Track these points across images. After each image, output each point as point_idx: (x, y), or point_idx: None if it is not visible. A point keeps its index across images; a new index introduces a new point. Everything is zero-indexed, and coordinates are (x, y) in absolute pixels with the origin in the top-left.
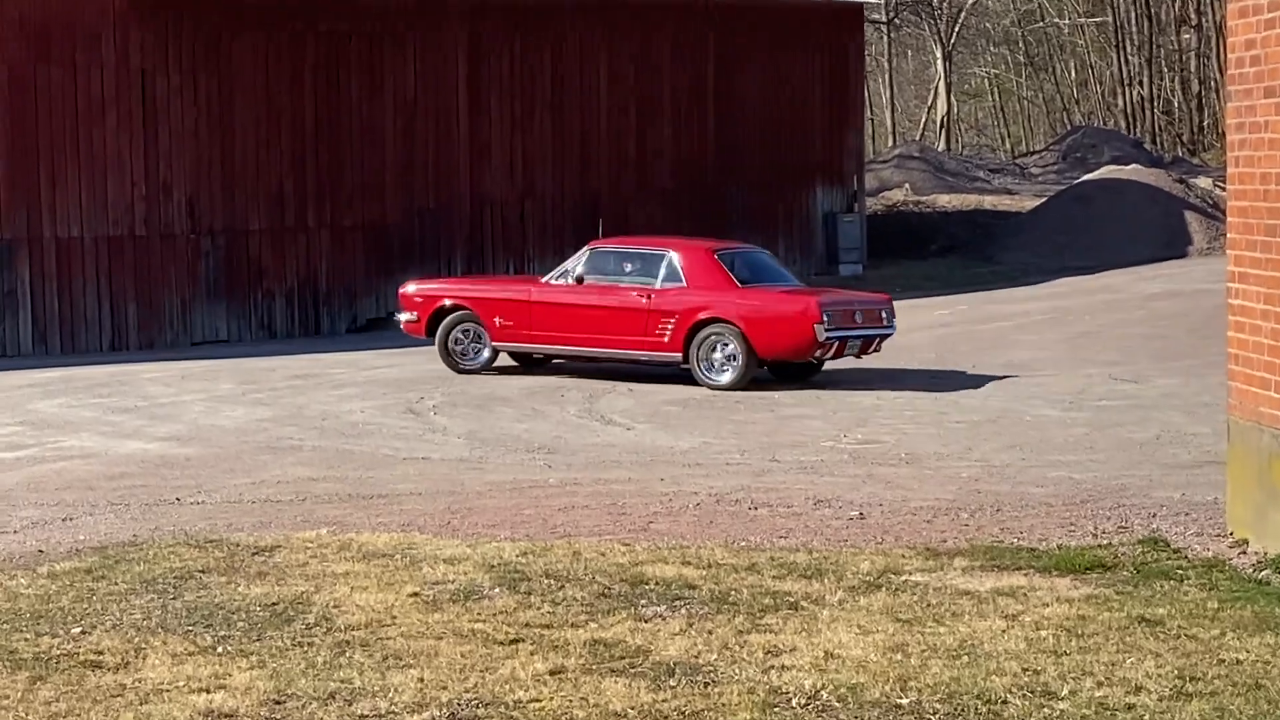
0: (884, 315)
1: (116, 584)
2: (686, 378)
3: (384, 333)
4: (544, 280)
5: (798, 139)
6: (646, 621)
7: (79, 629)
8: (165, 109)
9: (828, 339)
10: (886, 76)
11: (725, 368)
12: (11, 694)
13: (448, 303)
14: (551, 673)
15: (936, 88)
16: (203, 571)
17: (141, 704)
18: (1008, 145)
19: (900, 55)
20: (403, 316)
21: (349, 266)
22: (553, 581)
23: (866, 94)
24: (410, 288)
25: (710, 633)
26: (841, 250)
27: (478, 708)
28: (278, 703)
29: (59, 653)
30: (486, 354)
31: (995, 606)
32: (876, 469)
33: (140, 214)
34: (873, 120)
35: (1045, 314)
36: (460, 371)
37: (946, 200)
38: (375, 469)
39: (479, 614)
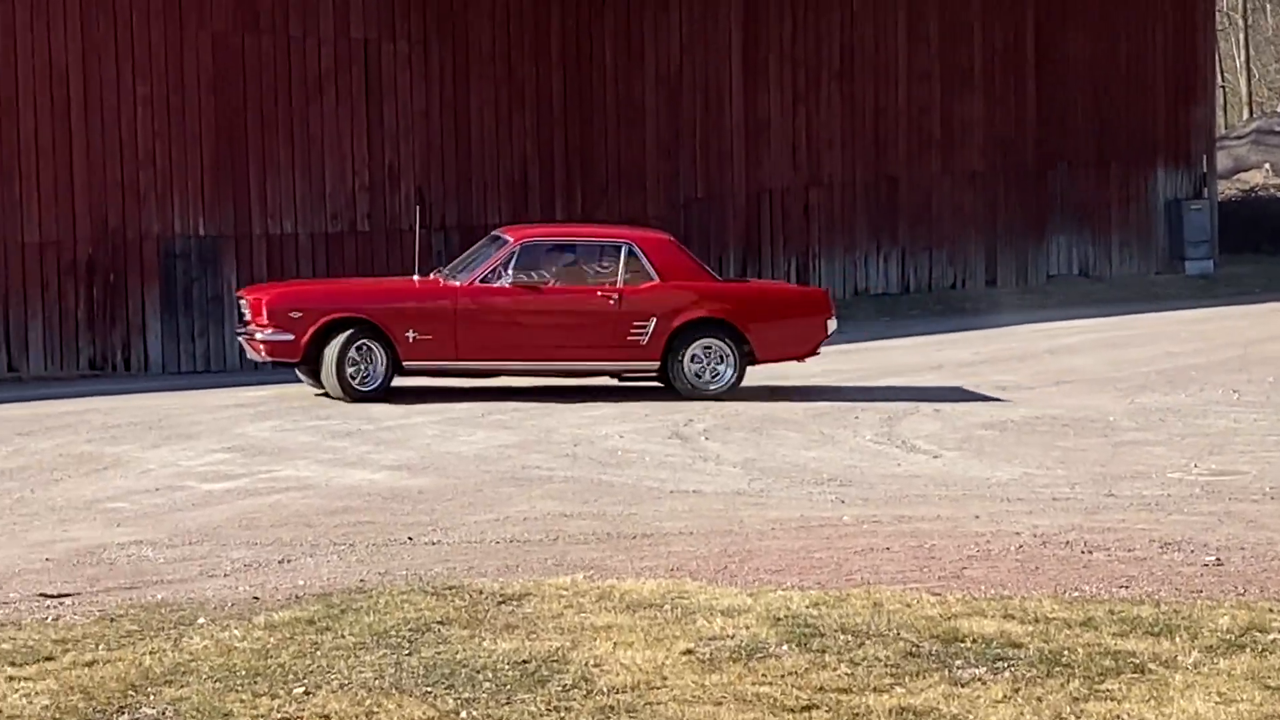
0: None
1: (343, 637)
2: (645, 391)
3: None
4: (458, 283)
5: (1135, 112)
6: (963, 686)
7: (302, 689)
8: (391, 85)
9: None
10: (1241, 36)
11: (717, 374)
12: None
13: (338, 316)
14: None
15: None
16: (441, 623)
17: None
18: None
19: (1258, 10)
20: (264, 336)
21: None
22: (850, 638)
23: (1218, 57)
24: (269, 298)
25: (1039, 700)
26: (1188, 244)
27: None
28: None
29: (279, 716)
30: (384, 376)
31: None
32: (1235, 505)
33: (362, 207)
34: (1225, 89)
35: None
36: (356, 400)
37: None
38: (637, 504)
39: (764, 675)
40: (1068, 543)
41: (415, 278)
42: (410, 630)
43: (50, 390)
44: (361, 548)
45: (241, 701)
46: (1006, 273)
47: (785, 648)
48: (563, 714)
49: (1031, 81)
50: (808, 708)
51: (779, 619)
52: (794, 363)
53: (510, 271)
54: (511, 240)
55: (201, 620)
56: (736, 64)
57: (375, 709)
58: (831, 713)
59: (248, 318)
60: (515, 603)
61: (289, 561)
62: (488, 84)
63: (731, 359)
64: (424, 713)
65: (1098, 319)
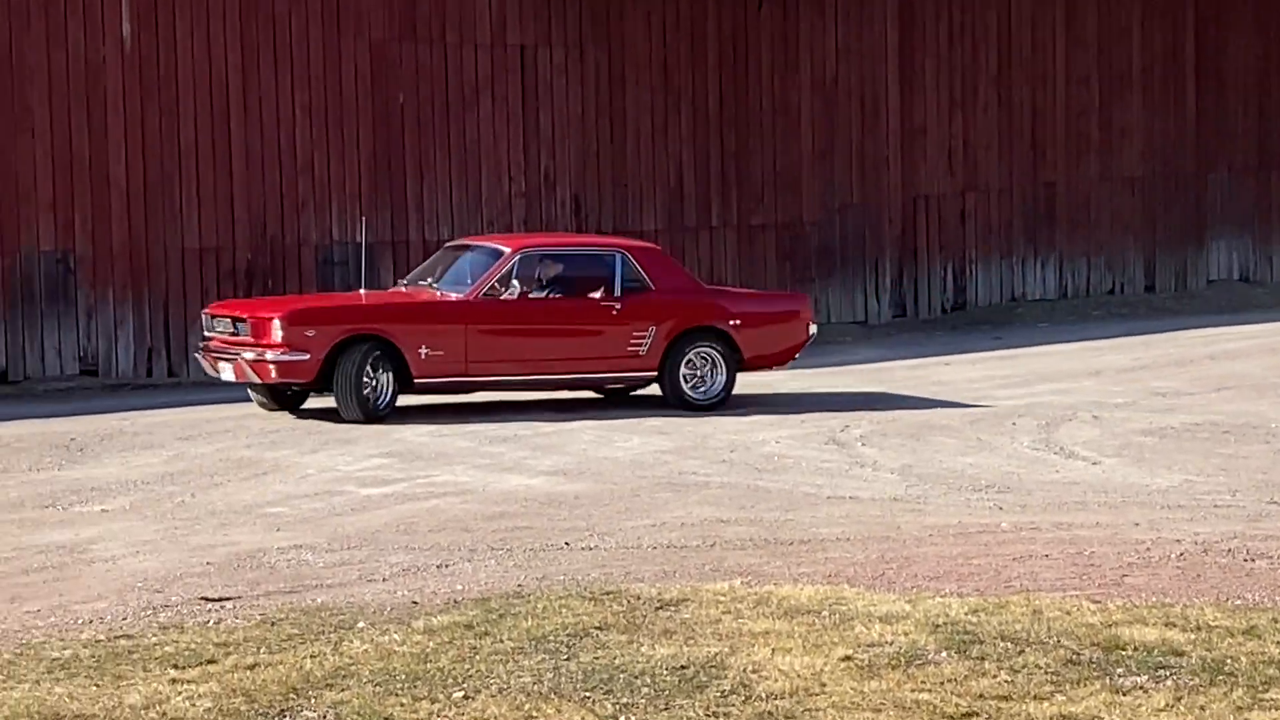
0: None
1: (502, 642)
2: (637, 401)
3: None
4: (455, 296)
5: None
6: (1124, 694)
7: (461, 693)
8: (547, 91)
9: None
10: None
11: (709, 382)
12: None
13: (353, 333)
14: None
15: None
16: (599, 628)
17: None
18: None
19: None
20: (275, 356)
21: (759, 272)
22: (1010, 645)
23: None
24: (282, 315)
25: (1202, 709)
26: None
27: None
28: None
29: None
30: (391, 395)
31: None
32: None
33: (518, 213)
34: None
35: None
36: (371, 420)
37: None
38: (794, 509)
39: (923, 682)
40: (1229, 550)
41: (362, 291)
42: (568, 635)
43: (210, 395)
44: (519, 553)
45: (401, 705)
46: (1165, 278)
47: (944, 654)
48: (721, 719)
49: (1191, 85)
50: (968, 715)
51: (938, 626)
52: (775, 370)
53: (514, 283)
54: (509, 250)
55: (361, 624)
56: (892, 69)
57: (534, 714)
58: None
59: (238, 336)
60: (673, 608)
61: (447, 566)
62: (644, 90)
63: (723, 367)
64: (582, 718)
65: (1259, 324)
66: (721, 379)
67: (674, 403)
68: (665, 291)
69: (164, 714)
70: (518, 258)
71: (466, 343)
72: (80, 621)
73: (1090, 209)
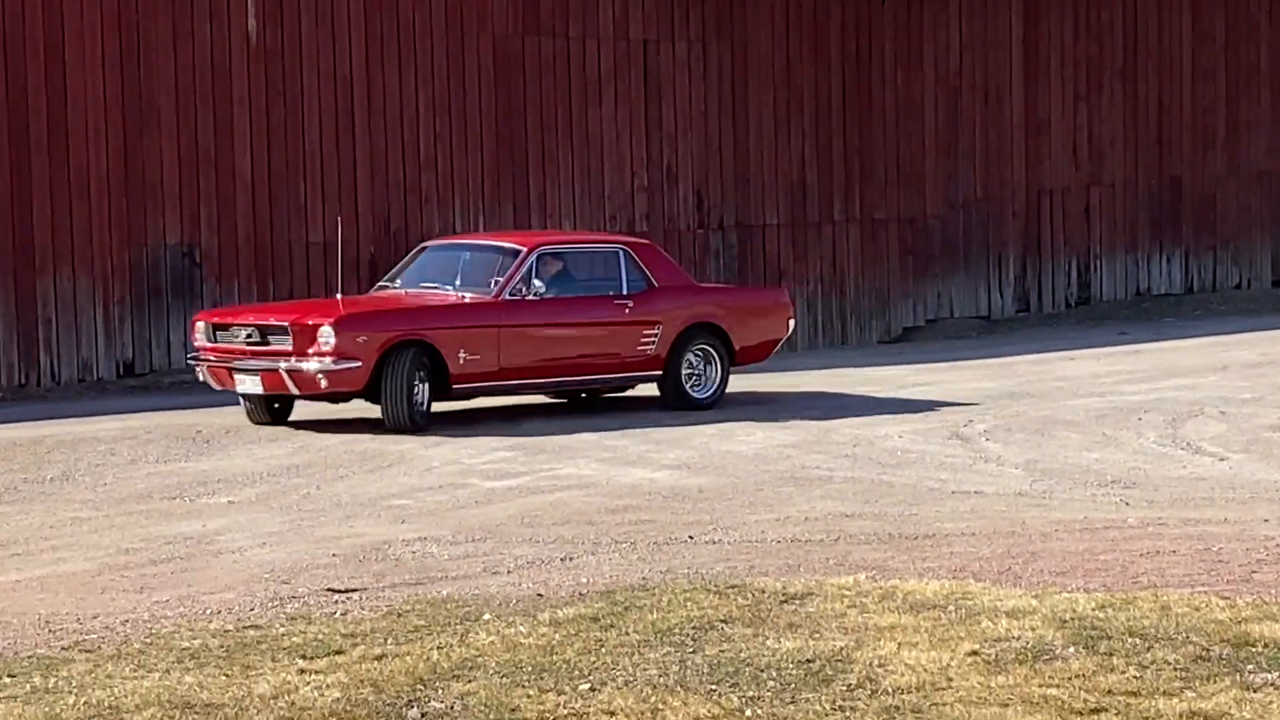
0: None
1: (627, 634)
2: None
3: (922, 344)
4: (483, 298)
5: None
6: (1254, 691)
7: (587, 685)
8: (670, 86)
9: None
10: None
11: (706, 380)
12: None
13: (400, 339)
14: None
15: None
16: (724, 621)
17: None
18: None
19: None
20: (324, 365)
21: (881, 267)
22: (1138, 641)
23: None
24: (334, 322)
25: None
26: None
27: None
28: None
29: (566, 712)
30: (428, 403)
31: None
32: None
33: (640, 207)
34: None
35: None
36: (415, 430)
37: None
38: (918, 504)
39: (1051, 678)
40: None
41: (338, 296)
42: (694, 628)
43: None
44: (643, 546)
45: (528, 697)
46: None
47: (1072, 650)
48: (848, 714)
49: None
50: (1096, 711)
51: (1065, 621)
52: (754, 364)
53: (535, 282)
54: (526, 249)
55: (487, 616)
56: (1016, 63)
57: (660, 706)
58: (1120, 716)
59: (267, 344)
60: (798, 602)
61: (571, 559)
62: (766, 85)
63: (718, 364)
64: (709, 710)
65: None
66: (717, 376)
67: (671, 403)
68: (667, 288)
69: (292, 704)
70: (535, 256)
71: (499, 345)
72: (208, 612)
73: (1217, 203)
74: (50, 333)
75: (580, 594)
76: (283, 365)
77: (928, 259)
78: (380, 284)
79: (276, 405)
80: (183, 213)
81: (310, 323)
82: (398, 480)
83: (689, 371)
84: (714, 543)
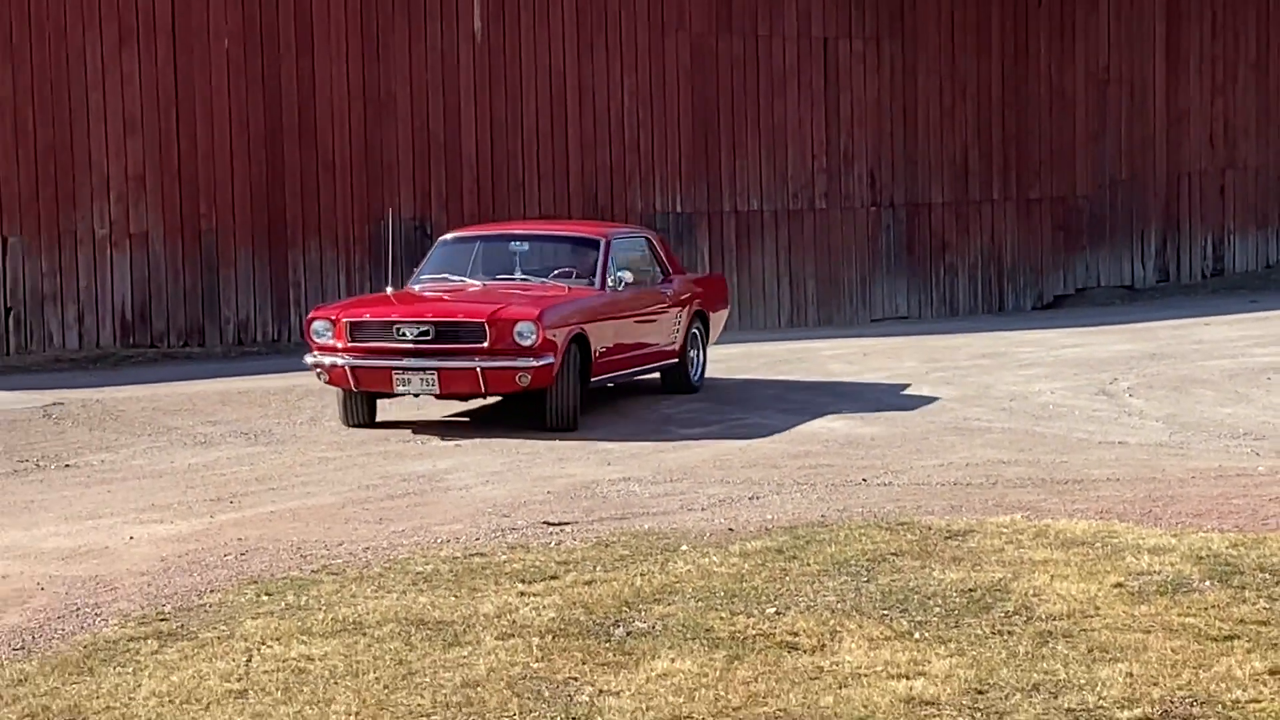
0: None
1: (809, 565)
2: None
3: (1072, 311)
4: (578, 288)
5: None
6: None
7: (773, 609)
8: (847, 79)
9: None
10: None
11: (696, 365)
12: (710, 673)
13: (576, 331)
14: (1271, 672)
15: None
16: (895, 554)
17: (840, 687)
18: None
19: None
20: (527, 363)
21: (1035, 241)
22: (1267, 576)
23: None
24: (536, 317)
25: None
26: None
27: (1192, 705)
28: (980, 692)
29: (754, 632)
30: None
31: None
32: None
33: (820, 186)
34: None
35: None
36: (573, 429)
37: None
38: (1068, 453)
39: (1188, 608)
40: None
41: (388, 290)
42: (867, 560)
43: None
44: (821, 487)
45: (720, 619)
46: None
47: (1207, 584)
48: (1005, 637)
49: None
50: (1228, 638)
51: (1201, 558)
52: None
53: (620, 273)
54: (604, 238)
55: (684, 548)
56: (1159, 59)
57: (838, 628)
58: (1251, 642)
59: (440, 342)
60: (960, 538)
61: (758, 498)
62: (933, 77)
63: (702, 348)
64: (881, 632)
65: None
66: (702, 360)
67: (673, 387)
68: (676, 276)
69: (513, 622)
70: (611, 244)
71: (614, 334)
72: (439, 541)
73: None
74: (299, 295)
75: (766, 529)
76: (479, 364)
77: (1077, 234)
78: (423, 276)
79: (372, 405)
80: (415, 190)
81: (507, 318)
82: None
83: (691, 355)
84: (885, 485)
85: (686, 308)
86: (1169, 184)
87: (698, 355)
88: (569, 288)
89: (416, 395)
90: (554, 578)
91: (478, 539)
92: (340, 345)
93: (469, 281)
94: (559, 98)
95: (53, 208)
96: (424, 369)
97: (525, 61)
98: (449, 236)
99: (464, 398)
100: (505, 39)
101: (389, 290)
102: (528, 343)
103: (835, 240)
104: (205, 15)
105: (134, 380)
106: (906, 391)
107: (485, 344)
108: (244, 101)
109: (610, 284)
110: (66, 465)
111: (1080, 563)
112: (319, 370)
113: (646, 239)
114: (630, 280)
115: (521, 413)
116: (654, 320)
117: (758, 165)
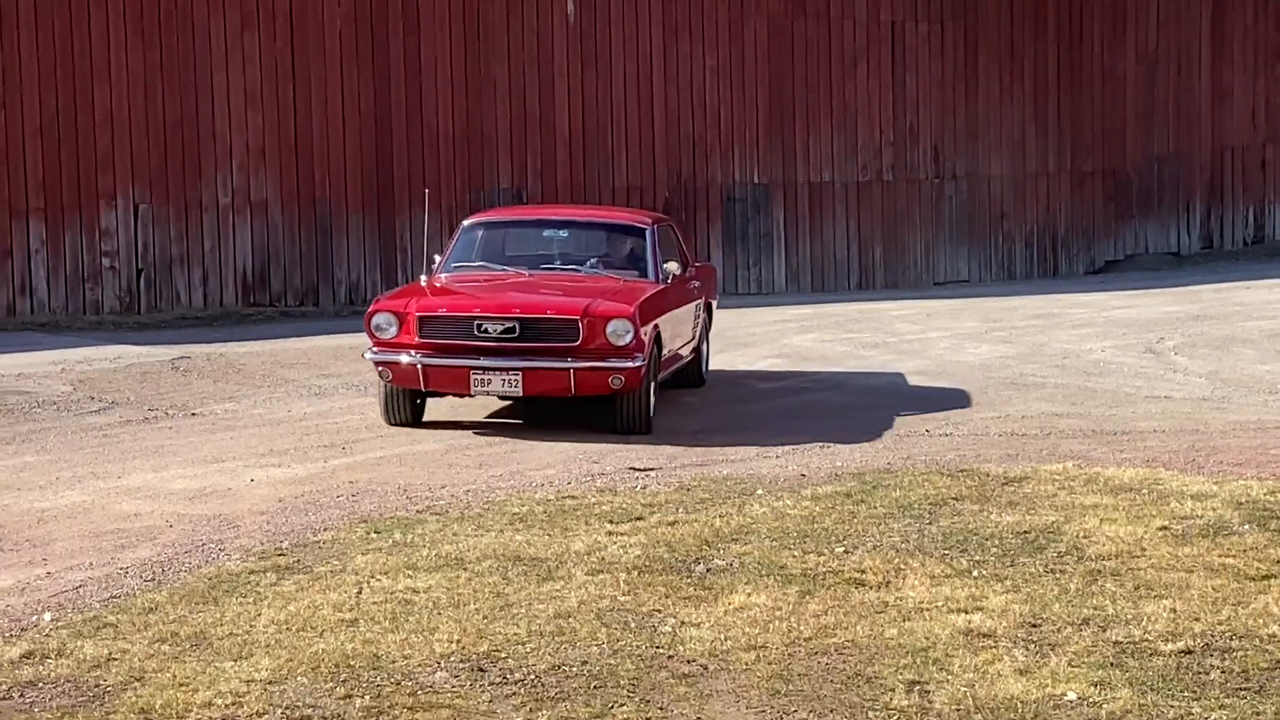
0: None
1: (875, 508)
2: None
3: (1121, 275)
4: (647, 280)
5: None
6: None
7: (842, 549)
8: (913, 59)
9: None
10: None
11: (703, 357)
12: (783, 606)
13: (658, 328)
14: None
15: None
16: (955, 499)
17: (904, 620)
18: None
19: None
20: (617, 363)
21: (1087, 211)
22: None
23: None
24: (630, 314)
25: None
26: None
27: (1230, 639)
28: (1033, 625)
29: (824, 570)
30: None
31: None
32: None
33: (887, 159)
34: None
35: None
36: (647, 432)
37: None
38: (1117, 406)
39: (1228, 550)
40: None
41: (423, 279)
42: (929, 504)
43: None
44: (887, 437)
45: (793, 557)
46: None
47: (1247, 528)
48: (1057, 575)
49: None
50: (1266, 577)
51: (1241, 504)
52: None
53: (669, 264)
54: (649, 226)
55: (759, 492)
56: (1205, 41)
57: (902, 566)
58: None
59: (526, 340)
60: (1016, 484)
61: (828, 446)
62: (993, 59)
63: (707, 340)
64: (942, 570)
65: None
66: (708, 353)
67: (680, 383)
68: (691, 266)
69: (602, 559)
70: (658, 232)
71: (671, 332)
72: (533, 485)
73: None
74: (406, 260)
75: (836, 475)
76: (571, 365)
77: (1127, 204)
78: (452, 264)
79: (419, 402)
80: (513, 162)
81: (599, 314)
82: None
83: (701, 349)
84: (946, 435)
85: (702, 299)
86: (1213, 158)
87: (705, 349)
88: (623, 280)
89: (512, 395)
90: (639, 519)
91: (569, 483)
92: (410, 341)
93: (510, 271)
94: (645, 76)
95: (180, 177)
96: (507, 369)
97: (615, 42)
98: (473, 221)
99: (546, 400)
100: (596, 21)
101: (422, 280)
102: (623, 342)
103: (901, 209)
104: (320, 0)
105: (254, 336)
106: (967, 349)
107: (577, 342)
108: (355, 80)
109: (661, 275)
110: (192, 414)
111: (1128, 507)
112: (381, 369)
113: (672, 225)
114: (677, 272)
115: (576, 412)
116: (686, 314)
117: (829, 140)
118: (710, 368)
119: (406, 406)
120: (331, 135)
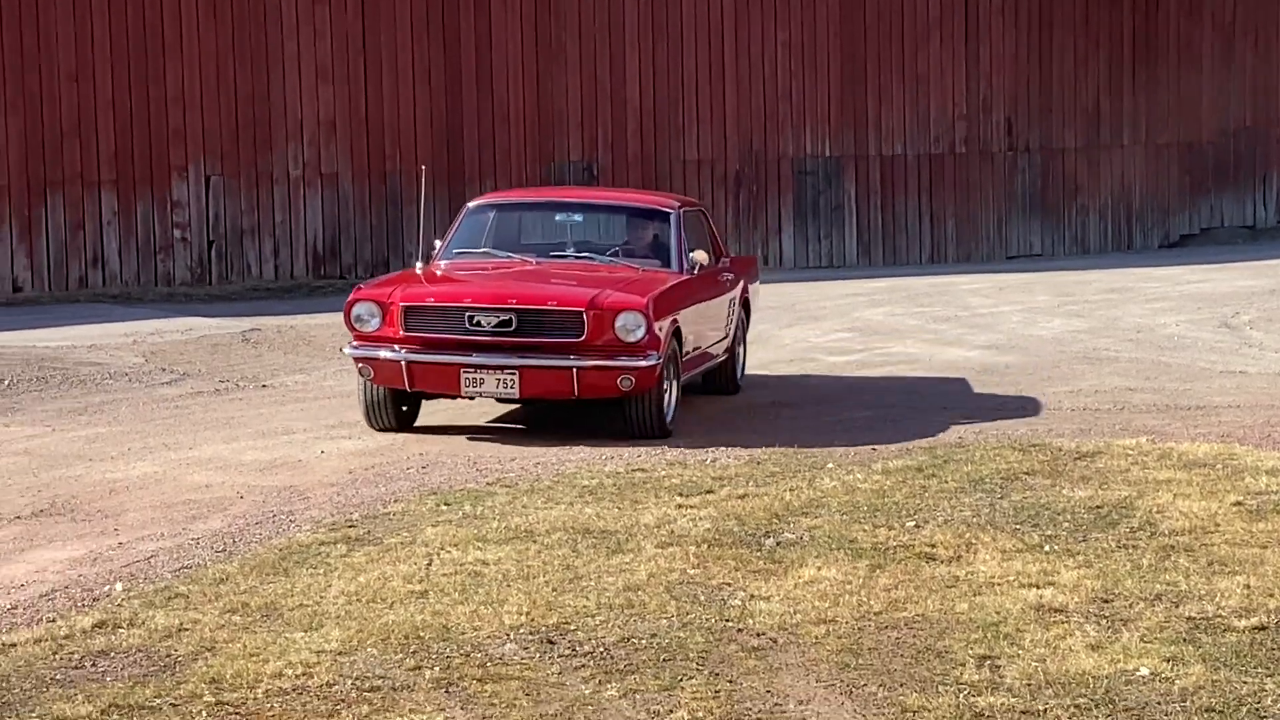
0: None
1: (946, 482)
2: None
3: (1196, 249)
4: (669, 270)
5: None
6: None
7: (913, 523)
8: (986, 32)
9: None
10: None
11: (739, 360)
12: (854, 580)
13: (676, 323)
14: None
15: None
16: (1027, 474)
17: (975, 595)
18: None
19: None
20: (635, 361)
21: (1162, 184)
22: None
23: None
24: (642, 308)
25: None
26: None
27: None
28: (1105, 601)
29: (895, 544)
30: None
31: None
32: None
33: (960, 132)
34: None
35: None
36: (665, 436)
37: None
38: (1191, 381)
39: None
40: None
41: (418, 266)
42: (1001, 479)
43: None
44: (957, 411)
45: (863, 531)
46: None
47: None
48: (1130, 550)
49: None
50: None
51: None
52: None
53: (696, 253)
54: (674, 211)
55: (830, 465)
56: None
57: (973, 541)
58: None
59: (527, 335)
60: (1089, 459)
61: (899, 421)
62: (1067, 31)
63: (744, 342)
64: (1013, 545)
65: None
66: (744, 355)
67: (709, 388)
68: (724, 257)
69: (672, 532)
70: (683, 217)
71: (695, 329)
72: (604, 457)
73: None
74: None
75: (907, 449)
76: (574, 363)
77: (1202, 177)
78: (454, 249)
79: (405, 408)
80: (584, 135)
81: (607, 307)
82: (755, 355)
83: (737, 351)
84: (1018, 409)
85: (737, 295)
86: None
87: (742, 350)
88: (641, 269)
89: (508, 398)
90: (709, 492)
91: (639, 456)
92: (393, 335)
93: (516, 259)
94: (716, 48)
95: (251, 150)
96: (502, 367)
97: (686, 13)
98: (479, 203)
99: (543, 403)
100: None
101: (418, 267)
102: (634, 338)
103: (974, 182)
104: None
105: (325, 309)
106: (1040, 323)
107: (581, 338)
108: (426, 52)
109: (686, 265)
110: (263, 385)
111: (1201, 482)
112: (362, 365)
113: (703, 212)
114: (704, 262)
115: (582, 415)
116: (717, 310)
117: (901, 112)
118: (789, 342)
119: (391, 409)
120: (402, 108)
